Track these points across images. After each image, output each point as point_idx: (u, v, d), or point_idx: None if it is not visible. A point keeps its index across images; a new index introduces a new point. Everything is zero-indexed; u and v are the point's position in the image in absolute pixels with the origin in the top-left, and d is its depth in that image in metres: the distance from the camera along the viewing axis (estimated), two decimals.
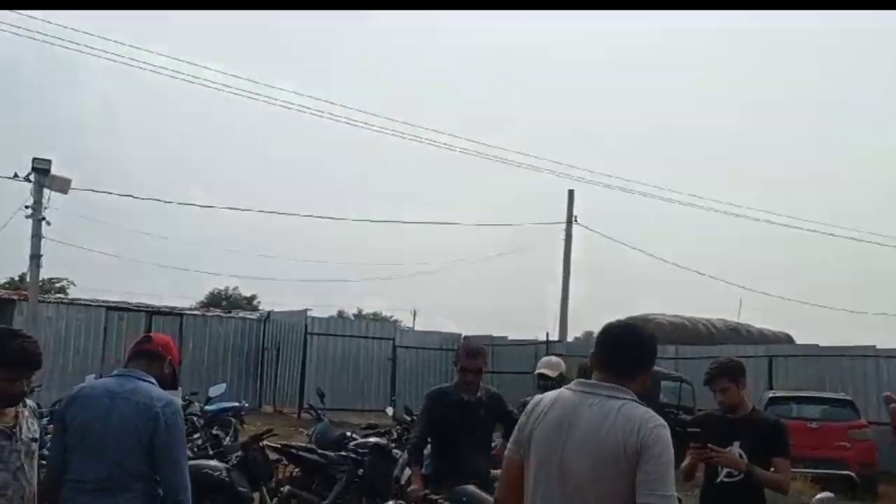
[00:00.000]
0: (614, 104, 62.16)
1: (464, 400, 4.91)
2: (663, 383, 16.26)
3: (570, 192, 21.78)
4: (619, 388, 2.56)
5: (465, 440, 4.82)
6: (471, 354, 4.94)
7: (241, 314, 24.64)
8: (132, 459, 3.24)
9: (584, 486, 2.47)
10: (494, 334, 22.59)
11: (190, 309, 24.87)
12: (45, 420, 8.94)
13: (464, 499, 3.97)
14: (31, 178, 15.99)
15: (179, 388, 9.55)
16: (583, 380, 2.70)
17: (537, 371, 5.42)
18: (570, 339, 23.25)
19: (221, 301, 41.19)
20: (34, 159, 16.04)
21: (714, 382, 4.26)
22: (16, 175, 16.15)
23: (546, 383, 5.43)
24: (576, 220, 21.55)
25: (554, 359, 5.72)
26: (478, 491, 4.16)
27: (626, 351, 2.65)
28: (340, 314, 39.26)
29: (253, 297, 42.93)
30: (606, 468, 2.45)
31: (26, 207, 16.19)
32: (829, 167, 54.87)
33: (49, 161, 16.04)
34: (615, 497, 2.44)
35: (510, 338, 22.22)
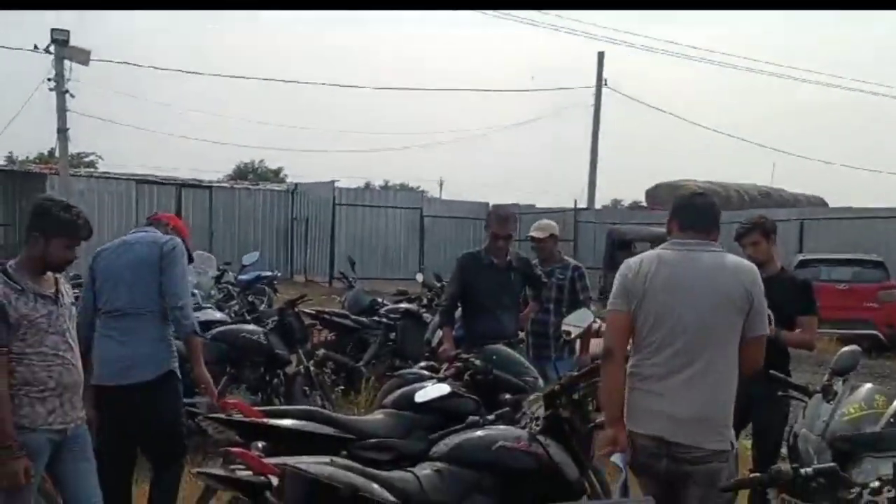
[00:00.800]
0: None
1: (494, 264, 5.02)
2: None
3: (600, 55, 21.07)
4: (714, 244, 3.06)
5: (494, 303, 4.96)
6: (501, 220, 5.04)
7: (269, 186, 24.77)
8: (146, 286, 3.90)
9: (703, 329, 2.95)
10: (522, 202, 22.56)
11: (218, 182, 25.02)
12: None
13: (494, 357, 4.05)
14: (51, 49, 15.75)
15: (212, 257, 9.77)
16: (677, 240, 3.08)
17: (529, 234, 5.55)
18: (598, 206, 23.17)
19: (248, 174, 41.35)
20: (52, 30, 15.75)
21: (745, 237, 4.29)
22: (35, 47, 15.92)
23: (537, 245, 5.51)
24: (606, 84, 20.92)
25: (545, 221, 5.79)
26: (508, 350, 4.25)
27: (711, 214, 3.14)
28: (367, 185, 39.30)
29: (280, 170, 43.00)
30: (725, 311, 2.96)
31: (49, 80, 16.07)
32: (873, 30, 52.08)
33: (67, 32, 15.74)
34: (728, 335, 2.96)
35: (538, 206, 22.18)
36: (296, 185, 22.79)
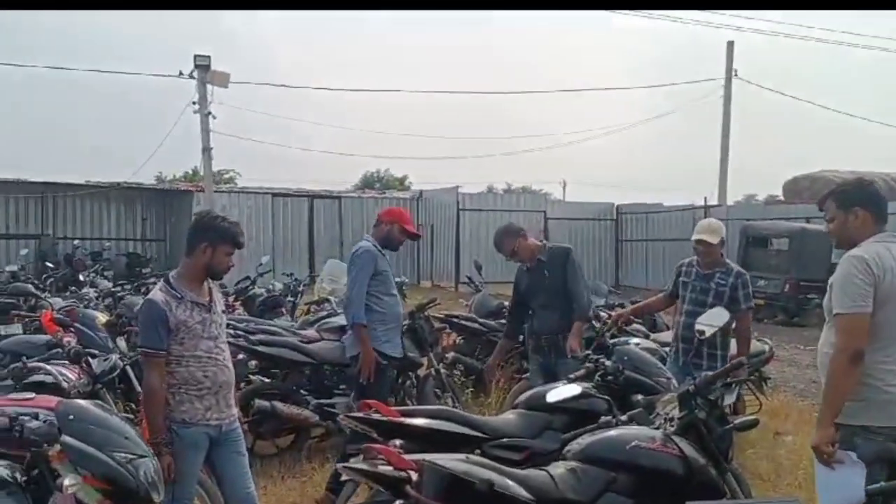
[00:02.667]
0: None
1: (527, 268, 5.61)
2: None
3: (730, 45, 20.18)
4: None
5: (535, 302, 5.55)
6: (497, 248, 5.65)
7: (395, 194, 25.44)
8: None
9: None
10: (649, 201, 22.00)
11: (347, 192, 25.95)
12: (230, 297, 9.90)
13: (625, 358, 4.03)
14: (195, 75, 16.93)
15: (344, 265, 10.14)
16: (887, 233, 3.20)
17: (696, 237, 5.09)
18: (730, 202, 22.22)
19: (375, 183, 42.58)
20: (195, 56, 16.94)
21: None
22: (181, 73, 17.17)
23: (707, 249, 5.07)
24: (736, 75, 20.03)
25: (715, 222, 5.34)
26: (639, 350, 4.21)
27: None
28: (490, 189, 39.52)
29: (404, 178, 43.99)
30: None
31: (193, 104, 17.27)
32: None
33: (208, 57, 16.87)
34: None
35: (666, 204, 21.56)
36: (420, 192, 23.29)
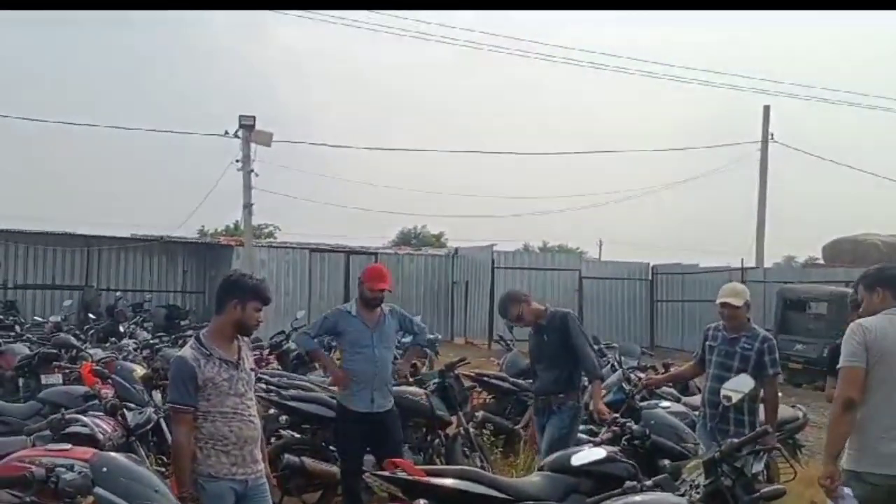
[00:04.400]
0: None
1: (532, 331, 5.77)
2: None
3: (766, 108, 20.31)
4: None
5: (537, 365, 5.74)
6: (502, 314, 5.91)
7: (431, 251, 25.63)
8: None
9: None
10: (684, 262, 21.83)
11: (383, 248, 26.23)
12: (265, 351, 10.02)
13: (652, 422, 4.02)
14: (239, 134, 17.53)
15: None
16: None
17: (720, 300, 5.10)
18: (767, 264, 21.95)
19: (411, 239, 42.96)
20: (240, 116, 17.56)
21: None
22: (226, 132, 17.79)
23: (732, 312, 5.07)
24: (772, 138, 20.04)
25: (739, 286, 5.36)
26: (666, 415, 4.19)
27: None
28: (526, 247, 39.56)
29: (441, 235, 44.32)
30: None
31: (237, 161, 17.82)
32: None
33: (253, 118, 17.49)
34: None
35: (702, 265, 21.38)
36: (456, 249, 23.44)
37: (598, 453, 3.52)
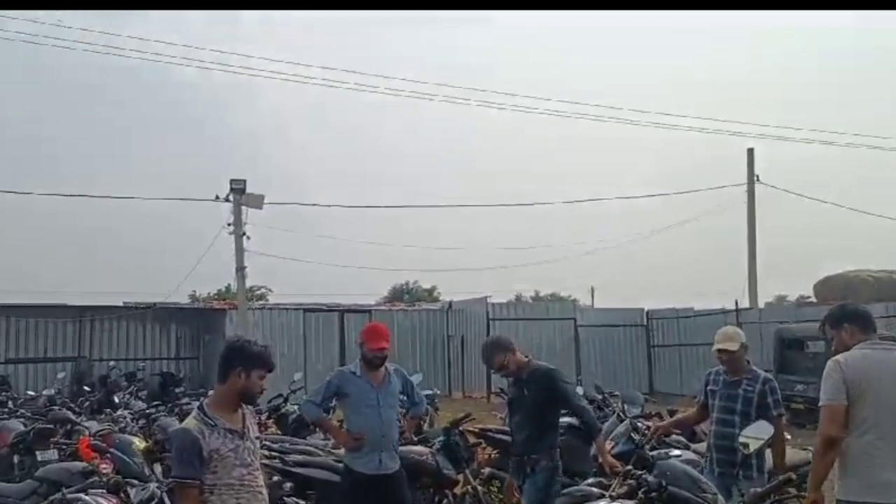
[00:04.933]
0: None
1: (511, 382, 5.56)
2: None
3: (750, 151, 20.58)
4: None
5: (512, 420, 5.56)
6: (486, 362, 5.62)
7: (425, 306, 25.55)
8: None
9: None
10: (678, 306, 21.84)
11: (376, 305, 26.13)
12: (263, 416, 9.85)
13: (668, 473, 3.94)
14: (230, 198, 17.57)
15: None
16: (872, 342, 3.93)
17: (716, 347, 5.14)
18: (761, 304, 21.96)
19: (404, 294, 42.88)
20: (231, 181, 17.61)
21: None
22: (217, 197, 17.83)
23: (729, 357, 5.10)
24: (758, 179, 20.30)
25: (731, 329, 5.39)
26: (682, 465, 4.12)
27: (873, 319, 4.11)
28: (518, 298, 39.53)
29: (433, 289, 44.27)
30: None
31: (228, 225, 17.81)
32: None
33: (244, 181, 17.55)
34: None
35: (696, 308, 21.38)
36: (450, 302, 23.37)
37: None
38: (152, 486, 3.97)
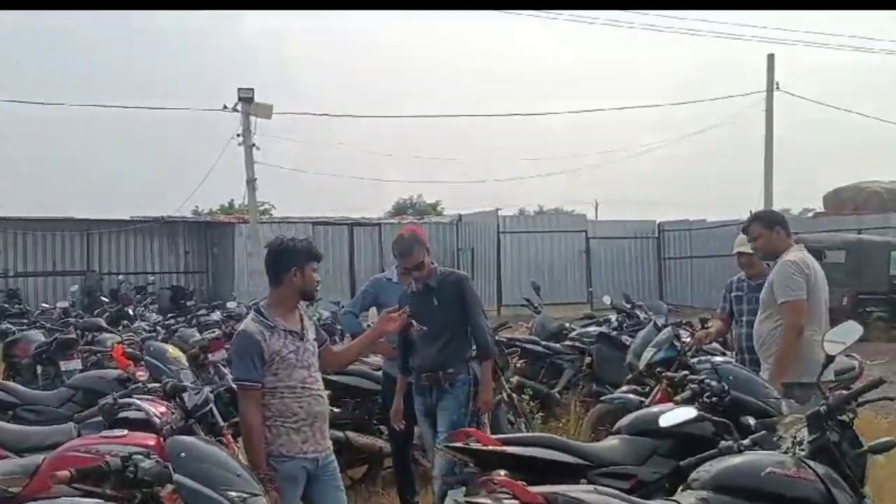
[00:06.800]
0: None
1: (412, 291, 4.76)
2: (893, 253, 14.91)
3: (770, 57, 19.87)
4: None
5: (425, 329, 4.58)
6: (403, 255, 4.70)
7: (435, 219, 25.37)
8: None
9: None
10: (692, 217, 21.67)
11: (386, 219, 25.93)
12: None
13: (731, 377, 3.85)
14: (238, 107, 17.06)
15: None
16: (800, 246, 4.62)
17: (736, 250, 5.27)
18: None
19: (408, 209, 42.62)
20: (239, 89, 17.03)
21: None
22: (225, 107, 17.32)
23: (749, 260, 5.21)
24: (777, 87, 19.72)
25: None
26: (745, 369, 4.06)
27: None
28: (521, 212, 39.30)
29: (437, 203, 44.01)
30: None
31: (237, 136, 17.36)
32: None
33: (252, 90, 16.97)
34: None
35: (709, 220, 21.23)
36: (460, 216, 23.20)
37: (689, 413, 3.33)
38: (206, 390, 3.87)
